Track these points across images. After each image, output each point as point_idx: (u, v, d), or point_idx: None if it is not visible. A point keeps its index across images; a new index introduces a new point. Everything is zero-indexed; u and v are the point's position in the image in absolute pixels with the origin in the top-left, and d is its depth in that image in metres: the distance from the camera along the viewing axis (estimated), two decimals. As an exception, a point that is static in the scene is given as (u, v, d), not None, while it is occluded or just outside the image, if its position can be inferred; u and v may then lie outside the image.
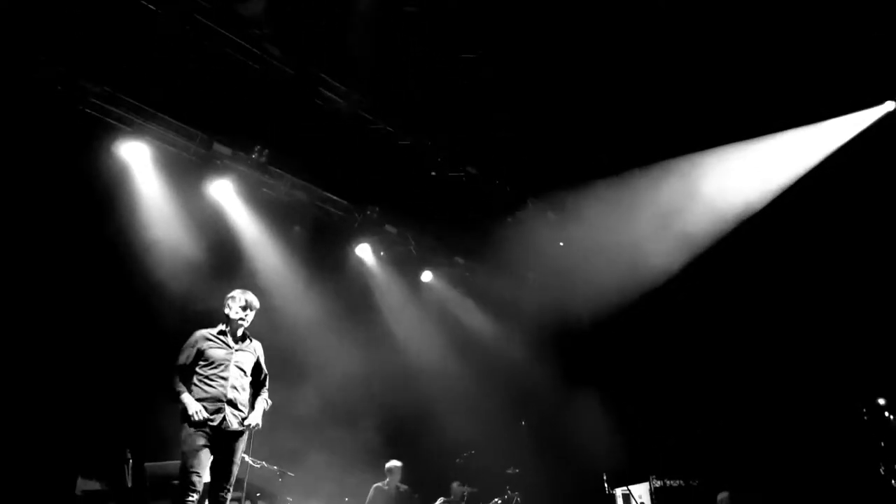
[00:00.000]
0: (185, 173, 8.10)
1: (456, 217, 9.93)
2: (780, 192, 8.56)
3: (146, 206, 7.79)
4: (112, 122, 7.46)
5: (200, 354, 4.89)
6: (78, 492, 5.86)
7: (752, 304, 8.73)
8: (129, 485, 6.09)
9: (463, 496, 8.95)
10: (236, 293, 5.18)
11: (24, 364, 6.40)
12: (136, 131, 7.59)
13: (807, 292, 8.47)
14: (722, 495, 7.95)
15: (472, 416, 9.20)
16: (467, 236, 10.27)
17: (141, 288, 7.48)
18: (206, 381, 4.83)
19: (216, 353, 4.91)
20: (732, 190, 8.54)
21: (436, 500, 8.68)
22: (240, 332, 5.08)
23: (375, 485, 8.38)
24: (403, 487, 8.49)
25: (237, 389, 4.87)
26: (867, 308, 8.12)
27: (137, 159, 7.69)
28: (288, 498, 7.10)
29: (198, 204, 8.25)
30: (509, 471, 8.87)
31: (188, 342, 4.99)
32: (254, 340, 5.20)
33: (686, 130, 8.32)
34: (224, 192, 8.44)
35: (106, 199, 7.47)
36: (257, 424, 4.91)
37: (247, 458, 6.27)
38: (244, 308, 5.08)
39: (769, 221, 8.60)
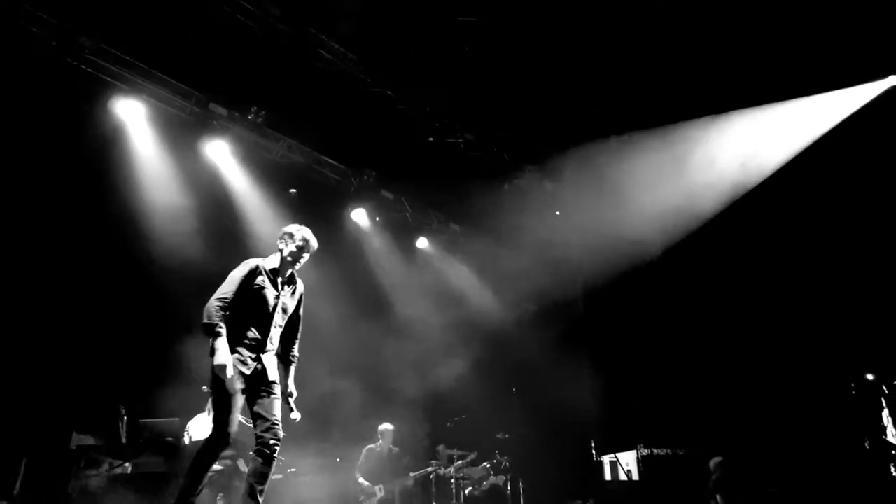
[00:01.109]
0: (180, 133, 8.06)
1: (453, 184, 9.89)
2: (776, 167, 8.52)
3: (141, 165, 7.78)
4: (107, 78, 7.41)
5: (248, 290, 4.36)
6: (73, 446, 5.93)
7: (745, 276, 8.76)
8: (124, 440, 6.18)
9: (452, 460, 9.10)
10: (293, 229, 4.64)
11: (20, 322, 6.43)
12: (131, 89, 7.55)
13: (803, 266, 8.50)
14: (715, 460, 8.05)
15: (464, 381, 9.30)
16: (464, 203, 10.25)
17: (135, 246, 7.48)
18: (250, 322, 4.34)
19: (267, 293, 4.41)
20: (728, 161, 8.48)
21: (426, 463, 8.83)
22: (288, 273, 4.60)
23: (367, 446, 8.51)
24: (395, 450, 8.63)
25: (277, 336, 4.49)
26: (862, 284, 8.17)
27: (133, 117, 7.66)
28: (280, 458, 7.21)
29: (193, 164, 8.22)
30: (499, 436, 9.01)
31: (239, 273, 4.39)
32: (299, 282, 4.71)
33: (685, 97, 8.22)
34: (220, 153, 8.40)
35: (100, 155, 7.45)
36: (292, 393, 4.61)
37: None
38: (301, 249, 4.56)
39: (766, 195, 8.58)
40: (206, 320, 4.18)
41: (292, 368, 4.70)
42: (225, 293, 4.29)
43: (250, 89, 8.23)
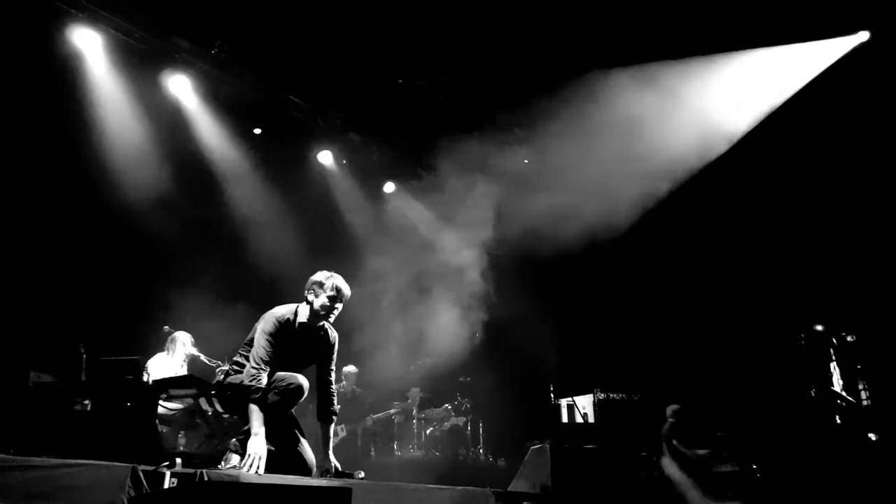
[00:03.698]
0: (140, 67, 7.77)
1: (422, 128, 9.74)
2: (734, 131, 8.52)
3: (99, 97, 7.53)
4: (63, 6, 7.04)
5: (279, 346, 4.11)
6: (30, 383, 5.88)
7: (703, 228, 8.88)
8: (83, 378, 6.15)
9: (416, 401, 9.30)
10: (322, 277, 4.23)
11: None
12: (88, 18, 7.20)
13: (758, 219, 8.67)
14: (672, 408, 8.33)
15: (428, 325, 9.41)
16: (433, 148, 10.13)
17: (94, 179, 7.31)
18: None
19: (297, 349, 4.19)
20: (692, 116, 8.44)
21: (389, 405, 9.01)
22: (319, 324, 4.31)
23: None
24: (358, 391, 8.78)
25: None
26: (815, 239, 8.38)
27: (90, 47, 7.36)
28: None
29: (153, 98, 7.98)
30: (461, 379, 9.21)
31: (270, 328, 4.09)
32: (332, 332, 4.41)
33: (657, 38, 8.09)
34: (181, 88, 8.15)
35: (56, 87, 7.17)
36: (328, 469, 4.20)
37: (202, 357, 6.39)
38: (333, 300, 4.19)
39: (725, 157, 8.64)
40: (249, 383, 3.93)
41: (331, 428, 4.38)
42: (261, 357, 4.01)
43: (214, 22, 7.91)
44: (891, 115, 7.61)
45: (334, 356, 4.45)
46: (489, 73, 9.00)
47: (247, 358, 4.16)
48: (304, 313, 4.24)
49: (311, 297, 4.24)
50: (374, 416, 8.63)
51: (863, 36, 8.00)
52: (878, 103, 7.72)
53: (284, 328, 4.15)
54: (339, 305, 4.25)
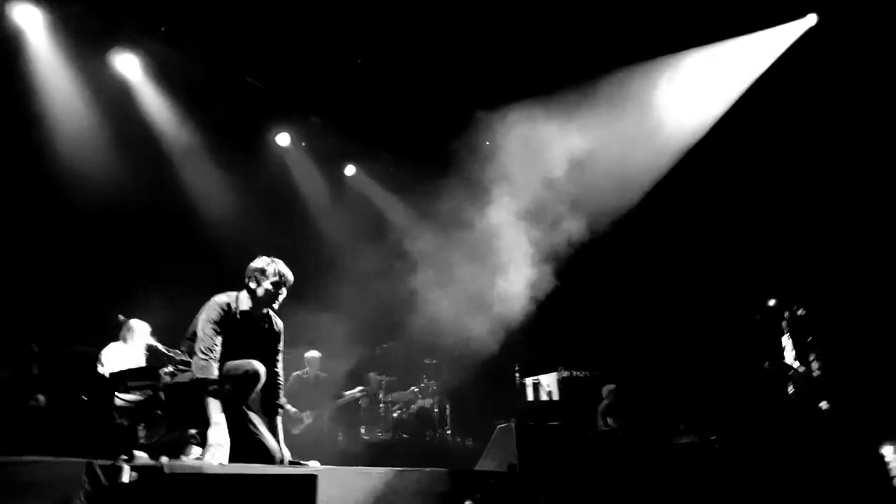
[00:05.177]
0: (85, 45, 7.46)
1: (384, 110, 9.60)
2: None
3: (42, 76, 7.22)
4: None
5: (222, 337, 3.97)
6: (-20, 379, 5.66)
7: (658, 205, 9.01)
8: (36, 372, 5.95)
9: (381, 385, 9.28)
10: (263, 263, 4.13)
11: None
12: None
13: (713, 195, 8.83)
14: (608, 387, 8.56)
15: (393, 309, 9.37)
16: (395, 131, 10.02)
17: (39, 162, 7.03)
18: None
19: (241, 340, 4.02)
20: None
21: (354, 389, 8.97)
22: (263, 312, 4.20)
23: (294, 373, 8.54)
24: (323, 375, 8.71)
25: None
26: (769, 214, 8.58)
27: (32, 25, 7.04)
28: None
29: (100, 78, 7.68)
30: (426, 361, 9.22)
31: (213, 320, 3.93)
32: (276, 321, 4.29)
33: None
34: (129, 68, 7.85)
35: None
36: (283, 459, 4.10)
37: (160, 347, 6.22)
38: (277, 286, 4.09)
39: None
40: (201, 377, 3.78)
41: (278, 420, 4.25)
42: (208, 346, 3.86)
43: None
44: (837, 95, 7.80)
45: (280, 345, 4.34)
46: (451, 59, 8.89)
47: (190, 353, 3.98)
48: (245, 301, 4.10)
49: (252, 285, 4.12)
50: (340, 401, 8.58)
51: (811, 20, 8.14)
52: (826, 84, 7.89)
53: (227, 317, 4.00)
54: (284, 291, 4.13)
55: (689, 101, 8.58)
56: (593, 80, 8.39)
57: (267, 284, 4.08)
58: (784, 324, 7.74)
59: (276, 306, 4.19)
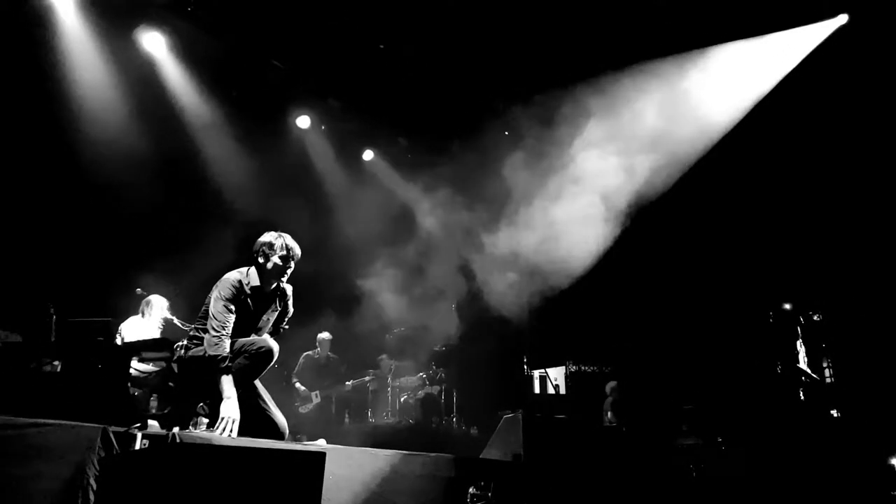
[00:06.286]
0: (114, 20, 7.53)
1: (403, 96, 9.60)
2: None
3: (71, 52, 7.30)
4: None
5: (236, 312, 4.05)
6: (-1, 343, 5.77)
7: (676, 207, 8.95)
8: (53, 339, 6.06)
9: (390, 369, 9.35)
10: (271, 237, 4.19)
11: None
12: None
13: (730, 198, 8.75)
14: (610, 384, 8.56)
15: (406, 295, 9.41)
16: (413, 117, 10.01)
17: (65, 136, 7.12)
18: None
19: (253, 313, 4.14)
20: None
21: (364, 373, 9.05)
22: (273, 286, 4.23)
23: (305, 353, 8.64)
24: (333, 357, 8.79)
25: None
26: (786, 219, 8.49)
27: (61, 2, 7.10)
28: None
29: (127, 55, 7.75)
30: (436, 348, 9.26)
31: (225, 297, 3.99)
32: (286, 288, 4.32)
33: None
34: (156, 46, 7.92)
35: (29, 39, 6.94)
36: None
37: (176, 321, 6.32)
38: (285, 260, 4.15)
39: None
40: (213, 353, 3.85)
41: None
42: (221, 324, 3.92)
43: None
44: (860, 99, 7.69)
45: (289, 314, 4.40)
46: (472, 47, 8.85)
47: (204, 330, 4.04)
48: (255, 277, 4.16)
49: (261, 260, 4.16)
50: (350, 383, 8.66)
51: (842, 19, 8.01)
52: (853, 85, 7.78)
53: (239, 293, 4.06)
54: (292, 265, 4.19)
55: (715, 98, 8.47)
56: (613, 74, 8.33)
57: (275, 259, 4.13)
58: (798, 328, 7.68)
59: (285, 279, 4.22)
